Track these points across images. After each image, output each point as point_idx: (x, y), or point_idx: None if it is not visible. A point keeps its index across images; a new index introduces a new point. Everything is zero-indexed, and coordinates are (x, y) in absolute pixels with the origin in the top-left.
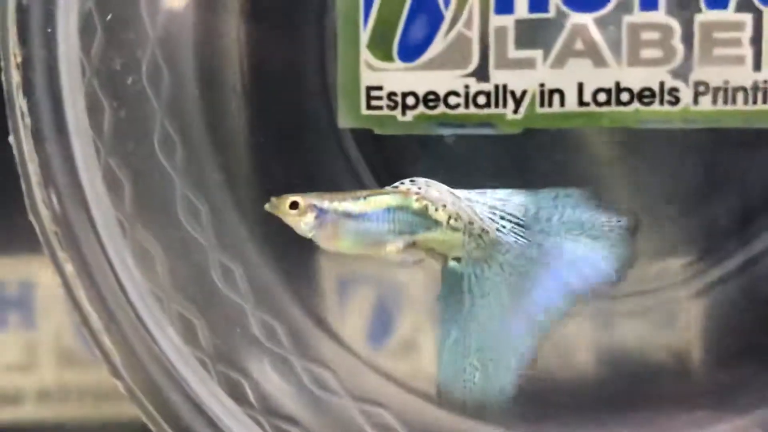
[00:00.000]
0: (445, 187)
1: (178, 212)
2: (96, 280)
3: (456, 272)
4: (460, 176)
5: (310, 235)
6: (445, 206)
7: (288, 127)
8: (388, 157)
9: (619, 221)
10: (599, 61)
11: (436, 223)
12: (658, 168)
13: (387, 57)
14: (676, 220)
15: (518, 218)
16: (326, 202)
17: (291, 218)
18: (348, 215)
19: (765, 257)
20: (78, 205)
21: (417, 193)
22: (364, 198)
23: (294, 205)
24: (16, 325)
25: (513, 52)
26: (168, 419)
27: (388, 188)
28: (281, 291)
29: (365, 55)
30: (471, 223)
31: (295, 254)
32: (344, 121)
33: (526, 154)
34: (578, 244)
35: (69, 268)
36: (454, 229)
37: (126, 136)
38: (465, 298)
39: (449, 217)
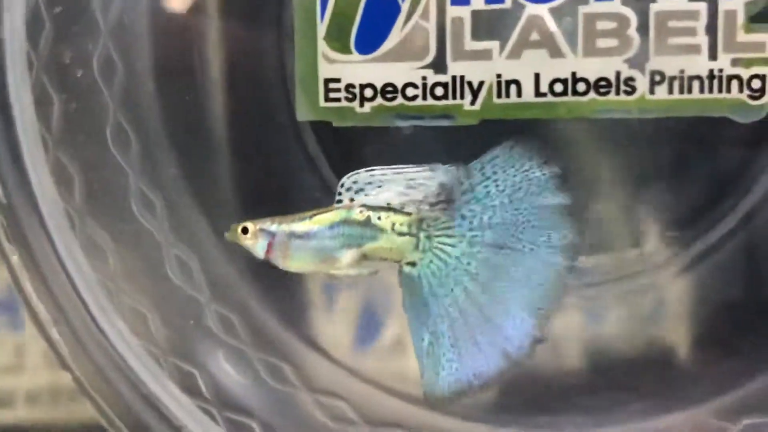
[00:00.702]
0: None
1: (132, 205)
2: (43, 272)
3: (413, 277)
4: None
5: (264, 258)
6: (389, 212)
7: (246, 119)
8: (346, 149)
9: (552, 171)
10: (555, 52)
11: (381, 231)
12: (616, 155)
13: (344, 49)
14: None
15: (449, 198)
16: (275, 225)
17: (245, 242)
18: (296, 235)
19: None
20: (25, 197)
21: (362, 206)
22: (310, 217)
23: (245, 230)
24: (3, 326)
25: (470, 44)
26: (118, 412)
27: (335, 205)
28: (240, 284)
29: (323, 47)
30: (421, 220)
31: None
32: (303, 113)
33: (484, 144)
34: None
35: (15, 259)
36: (400, 234)
37: (77, 129)
38: (429, 301)
39: (393, 224)
